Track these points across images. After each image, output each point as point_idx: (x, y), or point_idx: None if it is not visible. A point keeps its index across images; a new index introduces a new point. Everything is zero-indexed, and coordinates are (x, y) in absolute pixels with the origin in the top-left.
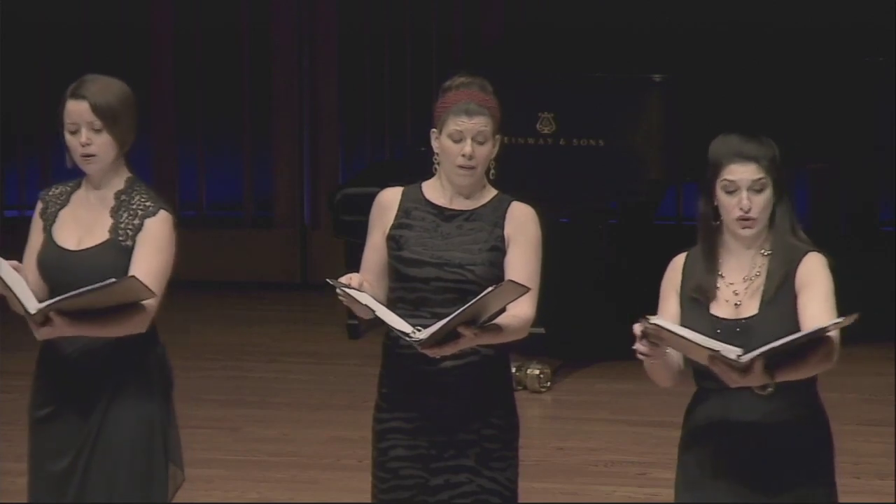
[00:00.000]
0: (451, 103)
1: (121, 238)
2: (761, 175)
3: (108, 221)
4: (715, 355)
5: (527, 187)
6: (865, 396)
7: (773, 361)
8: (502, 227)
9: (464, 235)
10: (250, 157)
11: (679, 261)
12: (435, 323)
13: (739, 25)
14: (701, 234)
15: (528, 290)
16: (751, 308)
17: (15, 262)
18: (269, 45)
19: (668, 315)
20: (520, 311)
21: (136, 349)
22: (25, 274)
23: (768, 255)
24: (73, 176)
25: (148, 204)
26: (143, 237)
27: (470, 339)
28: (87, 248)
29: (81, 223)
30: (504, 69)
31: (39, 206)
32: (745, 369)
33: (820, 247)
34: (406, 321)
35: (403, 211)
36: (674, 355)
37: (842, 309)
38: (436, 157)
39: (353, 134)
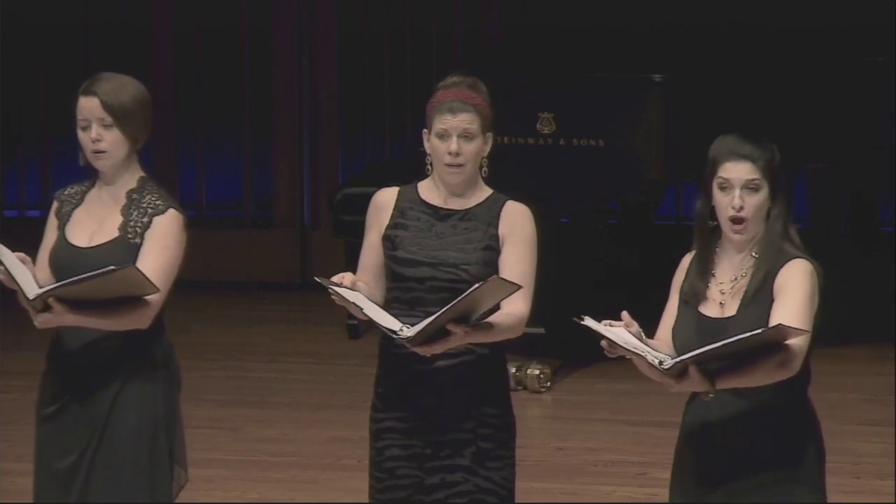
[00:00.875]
0: (438, 103)
1: (130, 235)
2: (756, 175)
3: (119, 219)
4: (645, 363)
5: (527, 187)
6: (865, 396)
7: (713, 367)
8: (496, 227)
9: (458, 235)
10: (250, 157)
11: (686, 260)
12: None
13: (739, 25)
14: (696, 234)
15: (517, 287)
16: (732, 309)
17: (21, 255)
18: (269, 45)
19: (669, 312)
20: (513, 309)
21: (142, 346)
22: (33, 268)
23: (756, 257)
24: (79, 175)
25: (158, 202)
26: (150, 234)
27: (461, 337)
28: (97, 245)
29: (93, 221)
30: (504, 69)
31: (55, 205)
32: (679, 375)
33: (819, 247)
34: (401, 321)
35: (399, 211)
36: (664, 351)
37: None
38: (428, 157)
39: (353, 134)
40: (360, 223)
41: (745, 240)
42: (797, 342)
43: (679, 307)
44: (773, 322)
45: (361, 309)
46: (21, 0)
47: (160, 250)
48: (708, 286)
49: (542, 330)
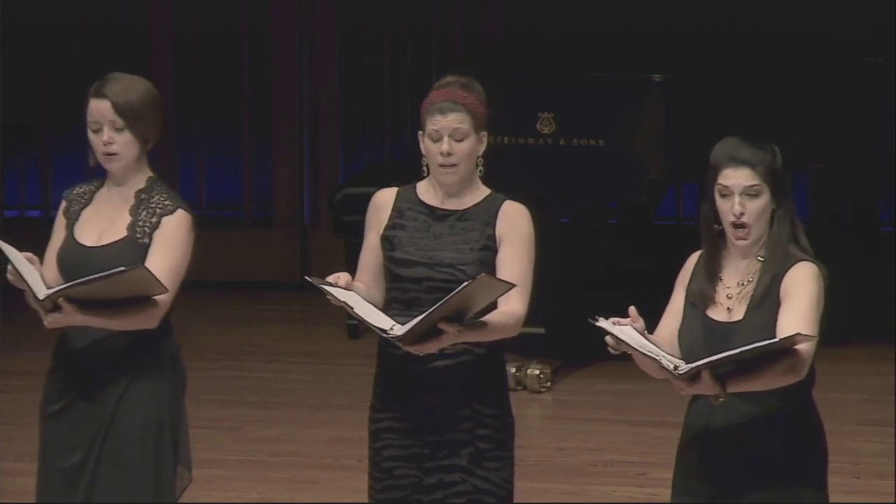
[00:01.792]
0: (430, 104)
1: (138, 235)
2: (755, 181)
3: (128, 219)
4: (657, 366)
5: (527, 187)
6: (865, 396)
7: (725, 371)
8: (494, 226)
9: (455, 235)
10: (250, 157)
11: (692, 260)
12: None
13: (739, 26)
14: (703, 238)
15: (509, 285)
16: (739, 313)
17: (29, 254)
18: (269, 45)
19: (672, 309)
20: (509, 308)
21: (149, 346)
22: (40, 268)
23: (762, 261)
24: (79, 175)
25: (167, 203)
26: (159, 234)
27: (453, 336)
28: (105, 245)
29: (102, 221)
30: (504, 69)
31: (63, 204)
32: (692, 378)
33: (819, 248)
34: (399, 321)
35: (397, 211)
36: (667, 351)
37: (835, 312)
38: (424, 158)
39: (353, 134)
40: (359, 223)
41: (750, 244)
42: (806, 347)
43: (685, 309)
44: (780, 327)
45: (352, 308)
46: (21, 0)
47: (168, 250)
48: (715, 290)
49: (542, 330)
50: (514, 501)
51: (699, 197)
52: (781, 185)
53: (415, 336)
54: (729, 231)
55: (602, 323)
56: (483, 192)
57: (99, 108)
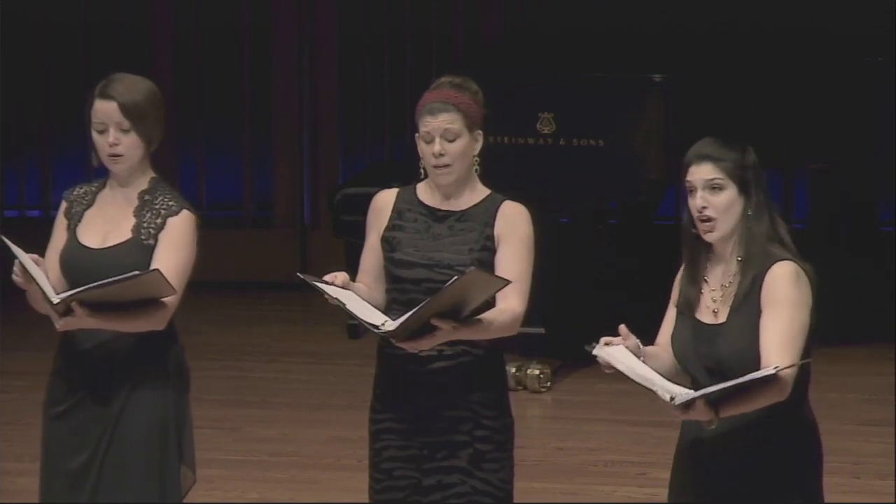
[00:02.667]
0: (421, 106)
1: (143, 237)
2: (717, 175)
3: (132, 221)
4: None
5: (527, 187)
6: (865, 396)
7: (717, 397)
8: (492, 227)
9: (454, 236)
10: (250, 157)
11: (679, 273)
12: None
13: (739, 26)
14: (683, 243)
15: (504, 281)
16: (723, 315)
17: (35, 256)
18: (269, 45)
19: (669, 317)
20: (507, 307)
21: (155, 347)
22: (46, 268)
23: (740, 261)
24: (79, 175)
25: (171, 203)
26: (164, 236)
27: (447, 333)
28: (110, 247)
29: (106, 222)
30: (504, 69)
31: (64, 205)
32: (686, 406)
33: (819, 248)
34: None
35: (397, 212)
36: (665, 358)
37: (835, 312)
38: (421, 160)
39: (353, 134)
40: (359, 223)
41: (721, 239)
42: (787, 370)
43: (677, 316)
44: (763, 341)
45: (345, 305)
46: (21, 0)
47: (174, 252)
48: (701, 293)
49: (542, 330)
50: (514, 502)
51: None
52: (749, 181)
53: (407, 332)
54: (698, 226)
55: (597, 352)
56: (482, 192)
57: (105, 109)
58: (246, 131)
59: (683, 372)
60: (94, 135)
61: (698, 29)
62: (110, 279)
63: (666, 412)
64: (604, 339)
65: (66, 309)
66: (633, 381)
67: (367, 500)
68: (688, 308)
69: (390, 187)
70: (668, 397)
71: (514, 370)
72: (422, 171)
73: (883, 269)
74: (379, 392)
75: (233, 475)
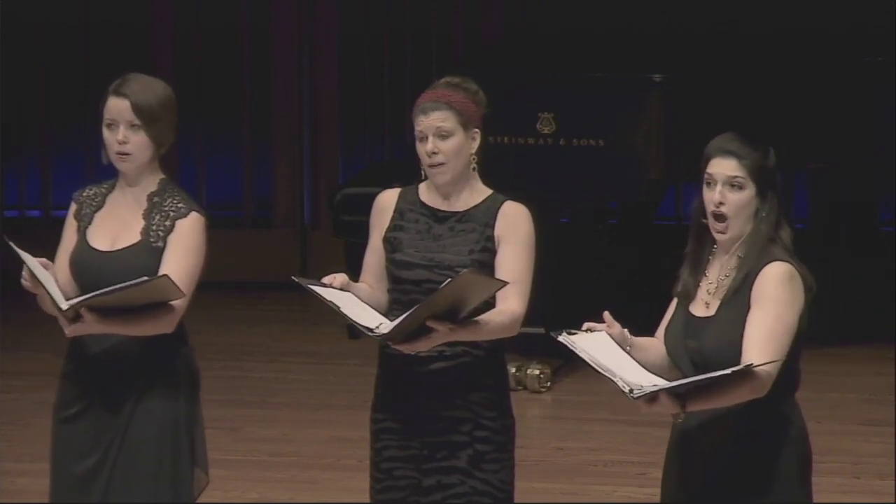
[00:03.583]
0: (415, 107)
1: (152, 240)
2: (739, 173)
3: (141, 223)
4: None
5: (527, 187)
6: (865, 396)
7: (686, 391)
8: (493, 227)
9: (455, 237)
10: (250, 157)
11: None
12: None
13: (739, 26)
14: (691, 230)
15: (500, 283)
16: (713, 308)
17: (44, 260)
18: (269, 45)
19: (670, 312)
20: (506, 308)
21: (164, 349)
22: (55, 272)
23: (740, 257)
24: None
25: (180, 205)
26: (173, 238)
27: (444, 335)
28: (120, 250)
29: (115, 225)
30: (504, 69)
31: (73, 207)
32: (651, 399)
33: (819, 248)
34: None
35: (399, 213)
36: (656, 350)
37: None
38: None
39: (353, 134)
40: (359, 223)
41: (730, 239)
42: (767, 367)
43: (675, 306)
44: (745, 341)
45: (339, 307)
46: (21, 0)
47: (184, 254)
48: (699, 285)
49: (542, 330)
50: (515, 502)
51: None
52: (768, 183)
53: (402, 334)
54: (710, 222)
55: (563, 339)
56: (483, 192)
57: (117, 106)
58: (246, 131)
59: (673, 365)
60: (105, 131)
61: (698, 29)
62: (119, 285)
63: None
64: (586, 325)
65: (75, 315)
66: (589, 364)
67: (367, 500)
68: (685, 298)
69: (391, 187)
70: (627, 389)
71: (514, 370)
72: (423, 171)
73: (883, 269)
74: (380, 392)
75: (233, 475)
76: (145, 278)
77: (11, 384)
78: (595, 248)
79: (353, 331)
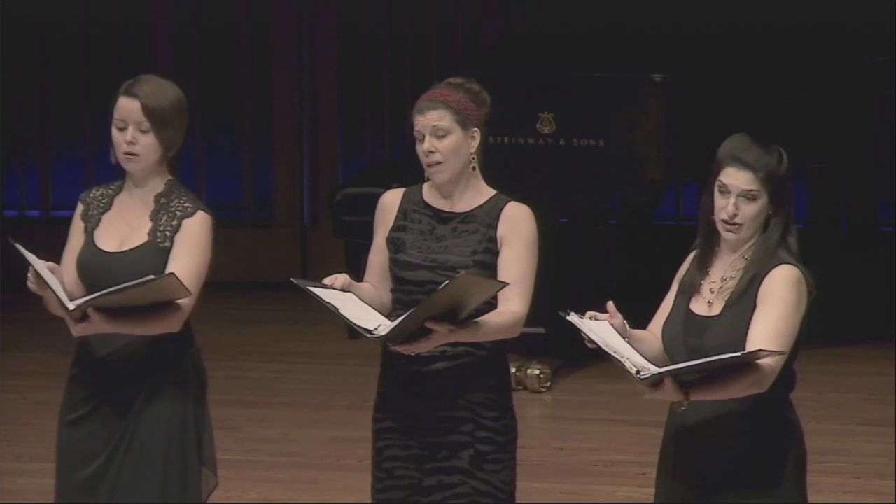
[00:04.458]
0: (413, 108)
1: (159, 240)
2: (754, 186)
3: (148, 224)
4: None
5: (527, 187)
6: (865, 396)
7: (690, 380)
8: (495, 228)
9: (458, 238)
10: (250, 157)
11: (691, 256)
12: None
13: (739, 25)
14: (700, 229)
15: (500, 284)
16: (717, 308)
17: (51, 264)
18: (269, 45)
19: (666, 303)
20: (508, 309)
21: (172, 350)
22: (61, 274)
23: (747, 259)
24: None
25: (186, 205)
26: (180, 237)
27: (444, 336)
28: (127, 251)
29: (123, 226)
30: (504, 69)
31: (80, 207)
32: (655, 385)
33: (819, 248)
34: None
35: (402, 213)
36: (652, 344)
37: (836, 312)
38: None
39: (353, 134)
40: (359, 223)
41: (739, 241)
42: (770, 362)
43: (675, 300)
44: (750, 335)
45: (337, 309)
46: (21, 0)
47: (191, 253)
48: (702, 283)
49: (542, 330)
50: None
51: (700, 195)
52: (781, 191)
53: (400, 336)
54: (720, 225)
55: (572, 319)
56: (487, 193)
57: (128, 107)
58: (246, 131)
59: (670, 360)
60: (114, 131)
61: (698, 29)
62: (126, 284)
63: (666, 412)
64: (589, 314)
65: (81, 315)
66: (604, 352)
67: (367, 500)
68: (689, 290)
69: (391, 187)
70: (634, 370)
71: (514, 370)
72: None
73: (883, 269)
74: (382, 391)
75: (233, 475)
76: (151, 277)
77: (11, 384)
78: (595, 248)
79: (353, 331)
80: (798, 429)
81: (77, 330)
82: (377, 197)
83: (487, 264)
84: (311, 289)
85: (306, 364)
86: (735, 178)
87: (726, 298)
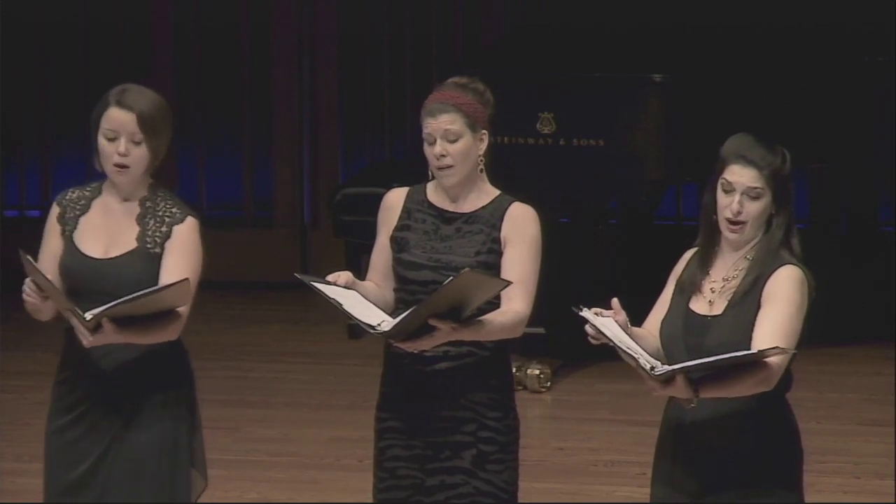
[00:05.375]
0: (423, 108)
1: (149, 246)
2: (759, 184)
3: (135, 229)
4: (635, 363)
5: (527, 187)
6: (865, 396)
7: (699, 377)
8: (499, 229)
9: (462, 238)
10: (250, 157)
11: (689, 253)
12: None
13: (739, 25)
14: (701, 227)
15: (503, 282)
16: (718, 308)
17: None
18: (269, 45)
19: (662, 300)
20: (510, 308)
21: (162, 354)
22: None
23: (749, 260)
24: (79, 175)
25: (175, 210)
26: (172, 244)
27: (446, 334)
28: (116, 257)
29: (107, 231)
30: (504, 69)
31: (56, 210)
32: (667, 381)
33: (819, 248)
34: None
35: (406, 212)
36: (650, 342)
37: (836, 312)
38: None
39: (353, 134)
40: (359, 223)
41: (742, 241)
42: (778, 360)
43: (673, 298)
44: (757, 334)
45: (341, 305)
46: (21, 0)
47: (185, 260)
48: (702, 282)
49: (542, 330)
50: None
51: (699, 195)
52: (784, 190)
53: (403, 333)
54: (723, 224)
55: (585, 313)
56: (491, 193)
57: (121, 119)
58: (246, 131)
59: (668, 359)
60: (103, 141)
61: (698, 29)
62: (142, 292)
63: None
64: (594, 310)
65: (96, 325)
66: (614, 343)
67: (367, 500)
68: (689, 288)
69: (392, 187)
70: (648, 367)
71: (514, 370)
72: (430, 171)
73: (883, 269)
74: (384, 391)
75: (233, 475)
76: (169, 283)
77: (11, 384)
78: (595, 249)
79: (353, 331)
80: (794, 428)
81: (90, 341)
82: (377, 197)
83: (491, 265)
84: (315, 284)
85: (306, 364)
86: (740, 175)
87: (729, 298)
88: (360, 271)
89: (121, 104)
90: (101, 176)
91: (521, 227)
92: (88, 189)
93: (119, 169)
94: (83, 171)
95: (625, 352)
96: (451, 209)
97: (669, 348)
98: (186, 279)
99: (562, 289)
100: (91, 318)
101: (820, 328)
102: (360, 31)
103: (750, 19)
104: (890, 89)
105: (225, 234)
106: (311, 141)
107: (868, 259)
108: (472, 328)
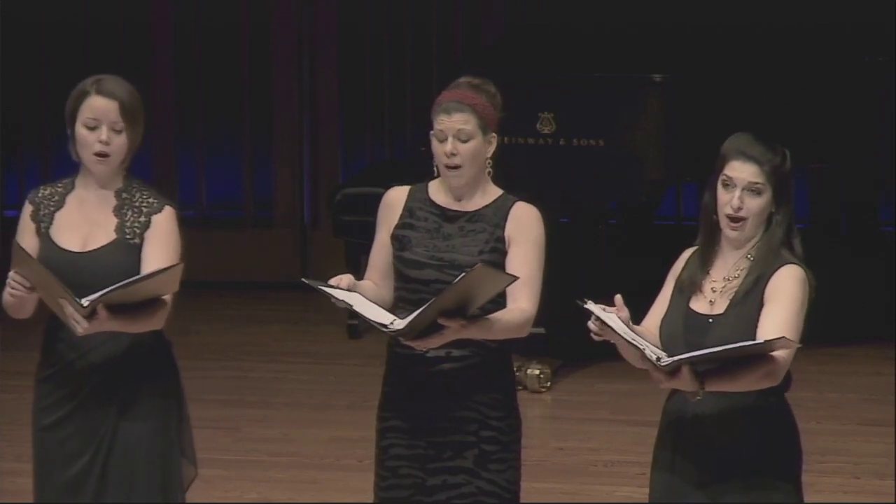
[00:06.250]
0: (437, 104)
1: (128, 236)
2: (760, 179)
3: (113, 221)
4: (642, 354)
5: (527, 187)
6: (865, 396)
7: (706, 369)
8: (503, 228)
9: (465, 237)
10: (250, 157)
11: (686, 254)
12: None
13: (739, 25)
14: (701, 227)
15: (511, 278)
16: (720, 307)
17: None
18: (269, 45)
19: (661, 299)
20: (517, 307)
21: (147, 346)
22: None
23: (751, 259)
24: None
25: (152, 200)
26: (152, 234)
27: (456, 331)
28: (95, 250)
29: (84, 225)
30: (504, 69)
31: (30, 208)
32: (672, 373)
33: (819, 247)
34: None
35: (408, 210)
36: (648, 339)
37: (836, 312)
38: (434, 158)
39: (353, 134)
40: (359, 223)
41: (742, 239)
42: (784, 354)
43: (672, 297)
44: (762, 329)
45: (352, 307)
46: (21, 0)
47: (166, 249)
48: (703, 281)
49: (542, 330)
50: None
51: (699, 195)
52: (784, 188)
53: (415, 330)
54: (723, 221)
55: (590, 306)
56: (494, 193)
57: (103, 107)
58: (246, 131)
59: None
60: (83, 130)
61: (698, 28)
62: (135, 277)
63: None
64: (599, 306)
65: (90, 312)
66: (620, 336)
67: (367, 500)
68: (689, 288)
69: (391, 187)
70: (654, 357)
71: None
72: (435, 168)
73: (883, 269)
74: (387, 390)
75: (233, 475)
76: (164, 268)
77: (11, 384)
78: (595, 248)
79: (353, 331)
80: (793, 427)
81: (83, 328)
82: (377, 197)
83: (495, 264)
84: (324, 288)
85: (306, 364)
86: (741, 171)
87: (730, 298)
88: (360, 271)
89: (102, 92)
90: (71, 172)
91: (525, 227)
92: (60, 185)
93: (99, 158)
94: (80, 167)
95: (630, 343)
96: (453, 207)
97: (670, 347)
98: (181, 263)
99: (562, 289)
100: (87, 305)
101: (820, 328)
102: (360, 31)
103: (750, 19)
104: (890, 89)
105: (225, 235)
106: (311, 141)
107: (868, 259)
108: (480, 325)
